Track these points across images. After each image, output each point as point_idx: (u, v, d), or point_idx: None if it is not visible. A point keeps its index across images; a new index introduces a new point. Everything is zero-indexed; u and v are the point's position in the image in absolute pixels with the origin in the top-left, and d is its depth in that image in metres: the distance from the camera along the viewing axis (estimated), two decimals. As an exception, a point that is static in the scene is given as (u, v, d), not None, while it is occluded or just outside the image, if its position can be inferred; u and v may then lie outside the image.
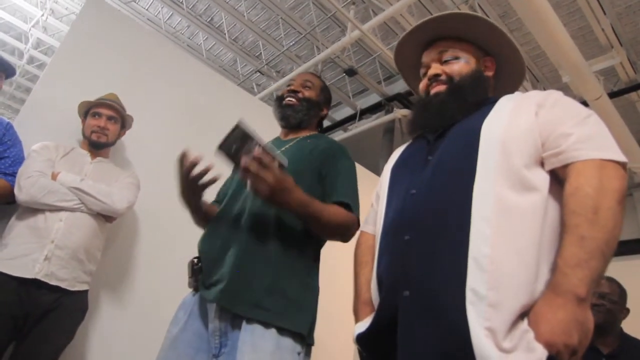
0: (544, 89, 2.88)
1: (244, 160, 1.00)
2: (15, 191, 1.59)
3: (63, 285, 1.59)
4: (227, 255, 1.16)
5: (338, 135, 5.62)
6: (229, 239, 1.19)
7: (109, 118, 1.87)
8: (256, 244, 1.15)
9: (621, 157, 0.77)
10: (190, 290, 1.24)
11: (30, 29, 5.81)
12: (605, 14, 3.93)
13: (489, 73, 1.06)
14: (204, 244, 1.25)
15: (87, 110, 1.89)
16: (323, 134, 1.48)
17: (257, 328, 1.07)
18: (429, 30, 1.08)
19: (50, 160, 1.70)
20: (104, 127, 1.84)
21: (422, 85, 1.06)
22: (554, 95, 0.89)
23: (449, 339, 0.71)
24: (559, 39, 3.27)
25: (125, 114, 1.94)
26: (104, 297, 1.98)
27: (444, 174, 0.87)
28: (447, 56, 1.03)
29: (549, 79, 4.77)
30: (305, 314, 1.15)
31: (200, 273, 1.20)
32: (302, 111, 1.41)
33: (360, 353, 0.94)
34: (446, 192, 0.84)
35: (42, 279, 1.54)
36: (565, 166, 0.78)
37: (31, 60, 6.42)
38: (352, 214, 1.22)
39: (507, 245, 0.73)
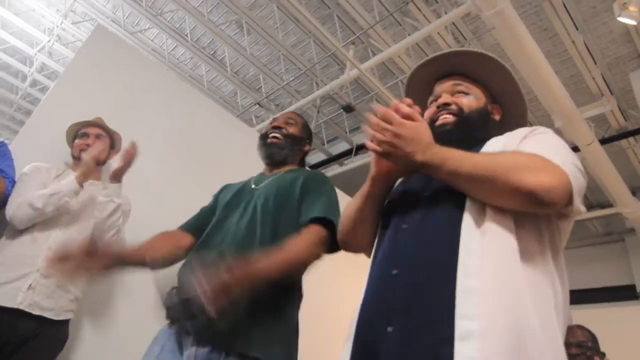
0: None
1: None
2: (7, 216, 1.57)
3: (47, 315, 1.54)
4: None
5: (334, 170, 5.66)
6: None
7: (97, 136, 1.86)
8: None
9: (558, 181, 0.76)
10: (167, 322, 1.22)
11: (35, 54, 5.91)
12: (595, 63, 4.07)
13: (496, 118, 1.08)
14: (182, 274, 1.23)
15: (75, 134, 1.89)
16: (305, 169, 1.51)
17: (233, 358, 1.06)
18: (443, 65, 1.10)
19: (42, 182, 1.68)
20: (91, 144, 1.82)
21: (429, 112, 1.05)
22: (541, 129, 0.91)
23: None
24: (551, 86, 3.38)
25: (112, 131, 1.92)
26: (86, 325, 1.92)
27: (435, 211, 0.88)
28: (459, 89, 1.05)
29: (542, 124, 4.88)
30: (282, 346, 1.15)
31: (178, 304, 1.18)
32: (287, 147, 1.46)
33: None
34: (436, 229, 0.84)
35: (25, 309, 1.49)
36: None
37: (34, 83, 6.50)
38: (321, 229, 1.20)
39: (493, 279, 0.73)
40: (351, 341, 0.85)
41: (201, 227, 1.38)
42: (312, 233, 1.20)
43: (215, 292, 0.91)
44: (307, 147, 1.55)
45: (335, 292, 3.03)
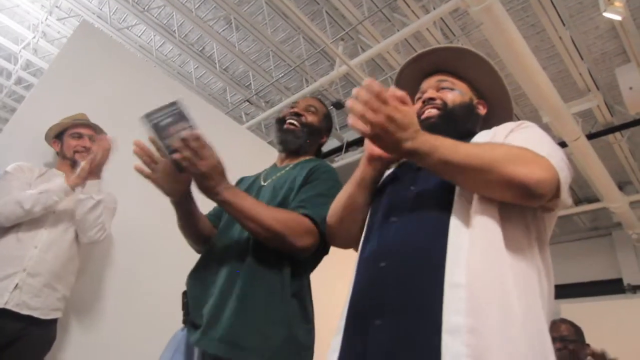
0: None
1: (186, 133, 0.97)
2: None
3: (35, 314, 1.52)
4: (210, 294, 1.13)
5: (324, 166, 5.66)
6: (213, 278, 1.16)
7: (90, 138, 1.85)
8: (235, 283, 1.11)
9: (540, 174, 0.76)
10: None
11: (20, 51, 5.81)
12: (582, 59, 4.12)
13: (481, 112, 1.10)
14: (191, 280, 1.22)
15: (61, 131, 1.86)
16: (317, 159, 1.41)
17: None
18: (430, 62, 1.12)
19: (27, 182, 1.66)
20: (89, 147, 1.81)
21: (416, 108, 1.07)
22: (527, 123, 0.93)
23: None
24: (538, 82, 3.40)
25: (100, 130, 1.92)
26: (74, 325, 1.90)
27: (423, 204, 0.88)
28: (444, 85, 1.07)
29: (529, 119, 4.92)
30: (291, 354, 1.09)
31: (187, 308, 1.17)
32: (303, 137, 1.35)
33: None
34: (425, 222, 0.85)
35: (13, 309, 1.48)
36: None
37: (19, 81, 6.39)
38: (308, 219, 1.12)
39: (480, 273, 0.73)
40: (340, 335, 0.84)
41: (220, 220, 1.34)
42: (298, 216, 1.13)
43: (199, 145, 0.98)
44: (324, 139, 1.46)
45: (327, 289, 3.03)
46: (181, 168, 0.99)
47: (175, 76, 5.74)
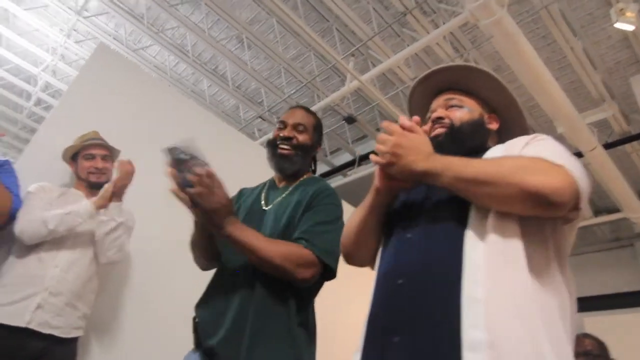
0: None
1: (200, 170, 1.05)
2: (16, 231, 1.58)
3: (56, 333, 1.54)
4: (221, 324, 1.17)
5: (337, 181, 5.66)
6: (222, 308, 1.19)
7: (103, 158, 1.89)
8: (247, 319, 1.15)
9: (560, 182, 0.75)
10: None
11: (39, 73, 6.00)
12: (595, 69, 4.09)
13: (492, 127, 1.10)
14: (202, 307, 1.25)
15: (75, 153, 1.90)
16: (316, 177, 1.44)
17: None
18: (439, 80, 1.13)
19: (48, 202, 1.70)
20: (101, 168, 1.86)
21: (426, 128, 1.08)
22: (541, 136, 0.92)
23: None
24: (551, 93, 3.38)
25: (112, 148, 1.95)
26: (94, 344, 1.91)
27: (439, 220, 0.88)
28: (452, 103, 1.08)
29: (544, 130, 4.88)
30: None
31: (199, 334, 1.20)
32: (298, 161, 1.37)
33: None
34: (440, 238, 0.84)
35: (35, 328, 1.50)
36: None
37: (39, 102, 6.58)
38: (308, 251, 1.16)
39: (498, 288, 0.72)
40: (360, 352, 0.84)
41: None
42: (298, 249, 1.17)
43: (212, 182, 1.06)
44: (318, 149, 1.47)
45: (343, 306, 3.01)
46: (195, 202, 1.07)
47: (189, 94, 5.85)
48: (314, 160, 1.48)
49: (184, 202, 1.10)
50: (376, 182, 0.97)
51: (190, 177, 1.04)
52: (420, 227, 0.89)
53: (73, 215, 1.62)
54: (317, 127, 1.45)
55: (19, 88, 6.37)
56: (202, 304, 1.26)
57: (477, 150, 0.97)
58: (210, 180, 1.06)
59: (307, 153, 1.40)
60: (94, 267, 1.73)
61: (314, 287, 1.26)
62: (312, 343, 1.23)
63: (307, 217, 1.24)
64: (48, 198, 1.72)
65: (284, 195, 1.34)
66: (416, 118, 0.91)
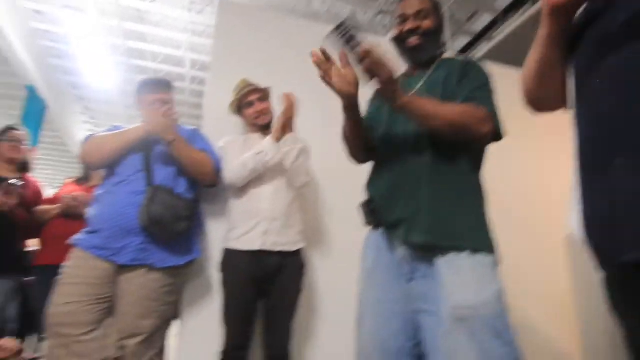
0: None
1: (367, 45, 1.09)
2: (226, 180, 1.93)
3: (285, 248, 1.88)
4: (402, 192, 1.25)
5: (483, 48, 5.13)
6: (398, 178, 1.27)
7: (259, 100, 2.07)
8: (421, 182, 1.22)
9: None
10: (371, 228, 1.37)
11: (184, 53, 6.74)
12: None
13: None
14: (374, 187, 1.35)
15: (238, 107, 2.12)
16: (449, 58, 1.41)
17: (451, 253, 1.15)
18: None
19: (238, 150, 1.99)
20: (262, 109, 2.05)
21: None
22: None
23: None
24: None
25: (264, 89, 2.10)
26: (313, 252, 2.27)
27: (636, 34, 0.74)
28: None
29: None
30: (488, 233, 1.21)
31: (377, 213, 1.31)
32: (429, 48, 1.37)
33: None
34: None
35: (269, 249, 1.85)
36: None
37: (193, 80, 7.47)
38: (483, 108, 1.20)
39: None
40: (579, 186, 0.80)
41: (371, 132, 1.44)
42: (473, 107, 1.20)
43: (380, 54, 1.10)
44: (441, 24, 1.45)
45: (531, 178, 2.88)
46: (373, 73, 1.11)
47: (306, 17, 5.86)
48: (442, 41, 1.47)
49: (331, 85, 1.18)
50: (547, 2, 0.83)
51: (362, 50, 1.09)
52: (617, 47, 0.75)
53: (262, 154, 1.87)
54: (437, 6, 1.41)
55: (175, 73, 7.31)
56: (373, 183, 1.37)
57: None
58: (377, 54, 1.10)
59: (437, 36, 1.39)
60: (292, 192, 1.99)
61: (483, 152, 1.32)
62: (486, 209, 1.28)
63: (464, 85, 1.27)
64: (237, 147, 2.01)
65: (429, 74, 1.35)
66: None
